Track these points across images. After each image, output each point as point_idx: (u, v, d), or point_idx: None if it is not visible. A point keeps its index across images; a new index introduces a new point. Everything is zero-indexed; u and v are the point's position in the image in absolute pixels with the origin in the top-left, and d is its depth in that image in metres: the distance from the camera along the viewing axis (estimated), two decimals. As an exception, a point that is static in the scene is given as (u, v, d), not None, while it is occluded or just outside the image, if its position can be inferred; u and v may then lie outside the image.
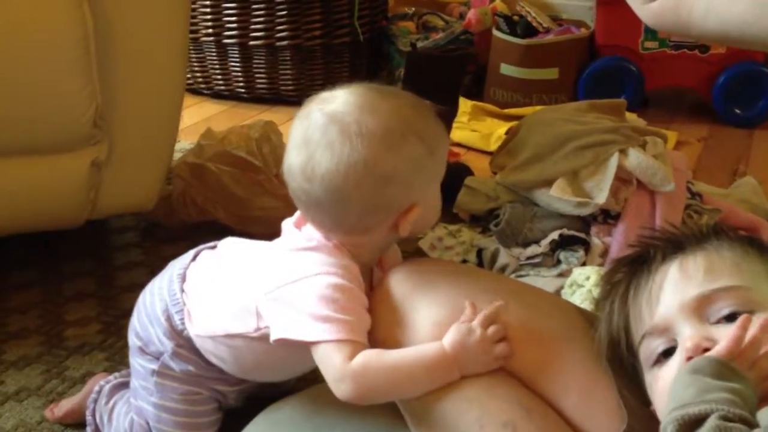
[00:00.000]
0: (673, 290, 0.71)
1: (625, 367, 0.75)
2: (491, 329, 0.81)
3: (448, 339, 0.81)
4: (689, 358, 0.66)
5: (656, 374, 0.70)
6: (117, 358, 1.26)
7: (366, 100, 0.87)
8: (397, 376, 0.82)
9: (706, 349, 0.65)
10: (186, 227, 1.65)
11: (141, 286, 1.44)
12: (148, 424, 1.02)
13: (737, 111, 2.36)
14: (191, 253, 1.02)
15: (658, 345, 0.71)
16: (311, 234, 0.90)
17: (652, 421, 0.70)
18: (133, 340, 1.03)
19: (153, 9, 1.34)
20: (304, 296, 0.85)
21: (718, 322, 0.68)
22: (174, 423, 1.00)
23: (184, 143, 2.02)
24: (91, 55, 1.25)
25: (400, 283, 0.87)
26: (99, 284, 1.49)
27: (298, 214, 0.93)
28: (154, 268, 1.52)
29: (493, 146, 2.05)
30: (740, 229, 1.56)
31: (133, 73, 1.35)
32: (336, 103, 0.86)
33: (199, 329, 0.96)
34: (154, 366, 0.99)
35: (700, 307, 0.69)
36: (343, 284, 0.85)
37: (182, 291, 0.98)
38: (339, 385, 0.83)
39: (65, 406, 1.14)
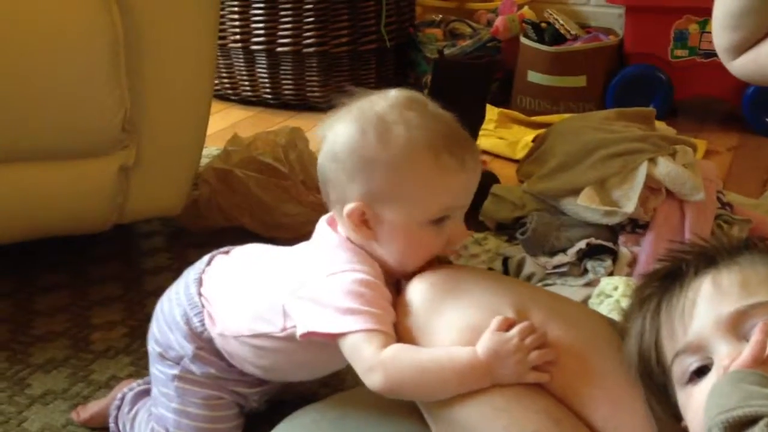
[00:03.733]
0: (708, 306, 0.69)
1: (655, 383, 0.73)
2: (528, 340, 0.80)
3: (483, 346, 0.80)
4: None
5: (690, 392, 0.69)
6: (142, 362, 1.25)
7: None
8: (426, 373, 0.81)
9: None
10: (212, 232, 1.66)
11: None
12: (167, 430, 1.02)
13: (767, 120, 2.33)
14: (205, 258, 1.04)
15: (692, 362, 0.69)
16: (340, 234, 0.91)
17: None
18: (152, 347, 1.04)
19: (182, 15, 1.35)
20: (330, 292, 0.85)
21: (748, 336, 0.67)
22: (194, 428, 1.00)
23: (211, 149, 2.02)
24: (120, 61, 1.26)
25: (426, 289, 0.86)
26: (126, 288, 1.49)
27: (331, 214, 0.94)
28: (181, 272, 1.53)
29: (519, 154, 2.04)
30: (771, 240, 1.56)
31: (161, 79, 1.36)
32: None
33: (223, 329, 0.97)
34: (175, 371, 1.00)
35: (736, 324, 0.67)
36: (368, 279, 0.85)
37: (200, 295, 0.99)
38: (369, 375, 0.82)
39: (91, 409, 1.14)
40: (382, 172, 0.85)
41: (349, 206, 0.86)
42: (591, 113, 1.86)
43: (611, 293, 1.24)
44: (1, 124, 1.23)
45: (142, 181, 1.42)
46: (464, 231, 0.90)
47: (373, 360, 0.82)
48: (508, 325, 0.81)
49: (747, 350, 0.63)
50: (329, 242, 0.91)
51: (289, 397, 1.09)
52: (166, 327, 1.01)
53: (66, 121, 1.27)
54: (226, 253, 1.03)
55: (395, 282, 0.91)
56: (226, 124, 2.40)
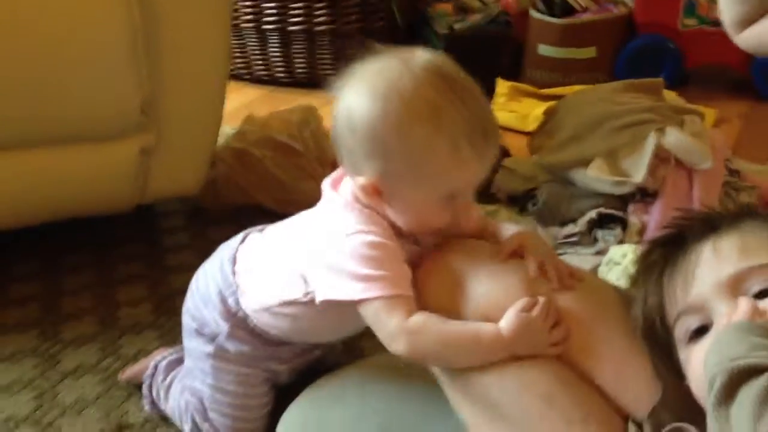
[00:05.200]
0: (708, 270, 0.72)
1: (659, 344, 0.76)
2: (551, 318, 0.83)
3: (507, 325, 0.82)
4: None
5: (691, 350, 0.72)
6: (168, 336, 1.31)
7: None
8: (450, 346, 0.84)
9: None
10: (230, 210, 1.69)
11: (189, 267, 1.50)
12: (202, 403, 1.05)
13: (777, 87, 2.34)
14: (240, 236, 1.04)
15: (693, 322, 0.72)
16: (345, 194, 0.91)
17: (686, 394, 0.71)
18: (188, 321, 1.06)
19: (197, 2, 1.38)
20: (343, 257, 0.86)
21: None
22: (228, 404, 1.04)
23: (226, 128, 2.05)
24: (139, 48, 1.29)
25: (457, 258, 0.88)
26: (149, 266, 1.54)
27: (335, 174, 0.95)
28: (201, 249, 1.57)
29: (530, 126, 2.06)
30: (779, 206, 1.58)
31: (178, 63, 1.39)
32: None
33: (254, 304, 0.99)
34: (209, 349, 1.02)
35: (734, 286, 0.70)
36: (378, 241, 0.86)
37: (233, 273, 1.00)
38: (393, 343, 0.84)
39: (132, 369, 1.20)
40: (399, 157, 0.84)
41: (362, 180, 0.87)
42: (600, 86, 1.87)
43: (620, 260, 1.27)
44: (28, 111, 1.27)
45: (161, 163, 1.45)
46: (472, 205, 0.92)
47: (398, 329, 0.83)
48: (530, 306, 0.83)
49: (747, 303, 0.66)
50: (336, 206, 0.92)
51: (317, 367, 1.11)
52: (201, 303, 1.03)
53: (88, 107, 1.30)
54: (260, 231, 1.04)
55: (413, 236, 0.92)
56: (240, 103, 2.42)
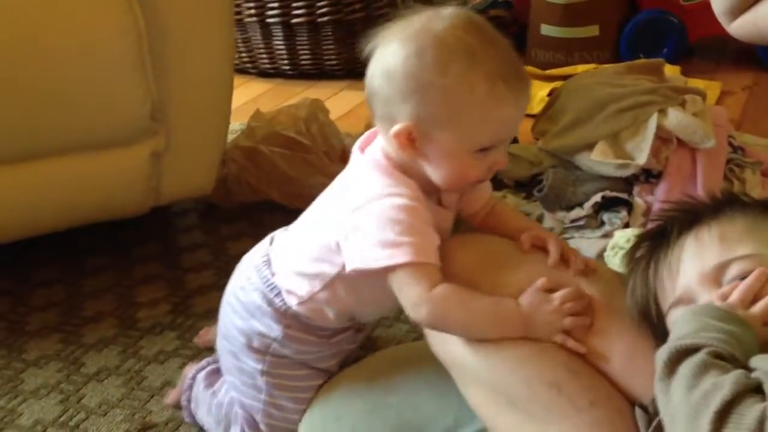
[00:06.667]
0: (692, 262, 0.75)
1: (659, 333, 0.79)
2: (568, 305, 0.84)
3: (526, 300, 0.85)
4: None
5: None
6: (187, 336, 1.34)
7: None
8: (471, 315, 0.85)
9: None
10: (242, 207, 1.73)
11: (205, 265, 1.55)
12: (254, 418, 1.05)
13: (782, 58, 2.34)
14: (267, 239, 1.04)
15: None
16: (375, 153, 0.91)
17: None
18: (233, 339, 1.03)
19: (200, 6, 1.40)
20: (368, 222, 0.86)
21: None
22: (282, 418, 1.04)
23: (235, 124, 2.07)
24: (145, 55, 1.32)
25: (489, 238, 0.91)
26: (166, 266, 1.57)
27: (364, 136, 0.94)
28: (216, 248, 1.62)
29: (536, 109, 2.07)
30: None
31: (184, 68, 1.41)
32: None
33: (301, 296, 0.97)
34: (261, 366, 1.01)
35: (717, 276, 0.73)
36: (406, 204, 0.85)
37: (273, 274, 0.99)
38: (415, 310, 0.85)
39: (173, 395, 1.19)
40: (436, 97, 0.83)
41: (397, 126, 0.85)
42: (601, 68, 1.89)
43: (624, 246, 1.29)
44: (41, 122, 1.31)
45: (173, 165, 1.48)
46: (506, 160, 0.90)
47: (421, 297, 0.84)
48: (550, 287, 0.85)
49: (735, 293, 0.69)
50: (364, 168, 0.91)
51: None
52: (247, 314, 1.01)
53: (98, 115, 1.34)
54: (285, 230, 1.04)
55: (437, 195, 0.92)
56: (247, 98, 2.45)
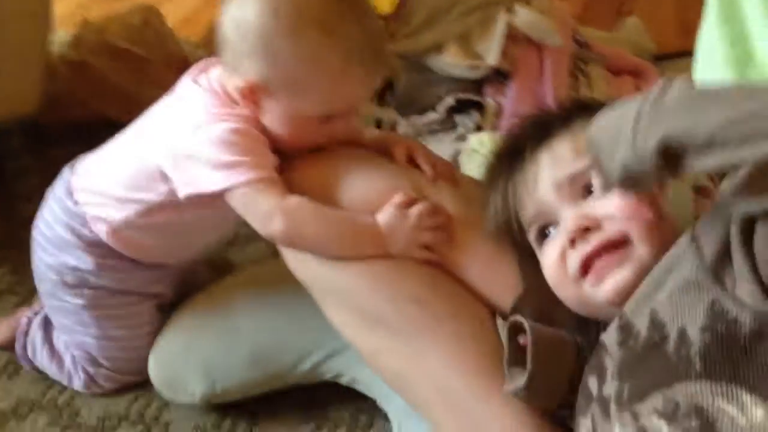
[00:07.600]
0: (547, 176, 0.74)
1: (520, 245, 0.78)
2: (426, 221, 0.83)
3: (383, 217, 0.83)
4: (572, 240, 0.69)
5: (543, 251, 0.74)
6: (21, 269, 1.23)
7: None
8: (327, 227, 0.82)
9: (587, 229, 0.69)
10: (74, 127, 1.60)
11: (36, 192, 1.42)
12: (90, 354, 1.02)
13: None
14: (66, 170, 1.00)
15: (542, 225, 0.75)
16: (212, 82, 0.88)
17: (546, 288, 0.74)
18: (47, 277, 1.00)
19: None
20: (201, 146, 0.84)
21: (588, 196, 0.72)
22: (118, 347, 1.01)
23: (60, 33, 1.90)
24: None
25: (337, 154, 0.87)
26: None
27: (196, 67, 0.92)
28: (47, 173, 1.47)
29: (387, 9, 2.01)
30: (627, 73, 1.63)
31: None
32: None
33: (111, 223, 0.94)
34: (82, 301, 0.98)
35: (572, 187, 0.72)
36: (239, 127, 0.84)
37: (76, 204, 0.96)
38: (268, 222, 0.83)
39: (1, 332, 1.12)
40: (284, 63, 0.82)
41: (240, 81, 0.84)
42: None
43: (478, 148, 1.28)
44: None
45: (-11, 84, 1.35)
46: (352, 131, 0.90)
47: (273, 207, 0.82)
48: (408, 202, 0.83)
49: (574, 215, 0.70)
50: (197, 95, 0.88)
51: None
52: (55, 249, 0.98)
53: None
54: (92, 154, 1.00)
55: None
56: (73, 4, 2.25)
